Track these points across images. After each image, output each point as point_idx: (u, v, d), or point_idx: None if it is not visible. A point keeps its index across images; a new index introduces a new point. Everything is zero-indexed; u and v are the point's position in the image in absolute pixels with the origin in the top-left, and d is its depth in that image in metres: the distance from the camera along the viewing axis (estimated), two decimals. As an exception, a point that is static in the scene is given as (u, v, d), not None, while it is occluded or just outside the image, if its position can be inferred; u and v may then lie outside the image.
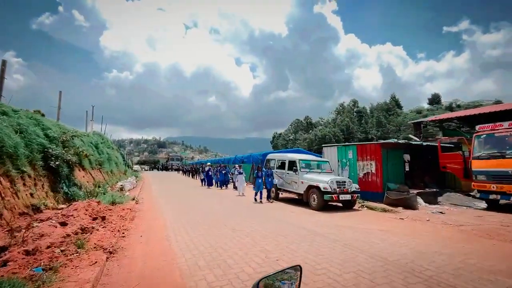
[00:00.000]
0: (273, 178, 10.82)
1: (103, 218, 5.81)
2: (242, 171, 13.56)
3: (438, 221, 7.07)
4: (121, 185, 13.58)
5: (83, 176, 11.27)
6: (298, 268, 1.17)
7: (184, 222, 6.70)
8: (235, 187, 15.08)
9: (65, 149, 9.33)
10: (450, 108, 51.47)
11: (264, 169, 11.29)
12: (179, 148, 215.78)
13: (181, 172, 39.98)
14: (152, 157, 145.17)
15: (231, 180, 16.64)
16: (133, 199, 10.19)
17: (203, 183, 17.68)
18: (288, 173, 10.46)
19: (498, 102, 41.64)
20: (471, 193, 10.82)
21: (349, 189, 8.99)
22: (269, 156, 12.40)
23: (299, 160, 10.23)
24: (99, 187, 11.60)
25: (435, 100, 59.31)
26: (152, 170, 61.82)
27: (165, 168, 56.35)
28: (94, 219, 5.66)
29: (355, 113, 58.31)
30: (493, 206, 8.90)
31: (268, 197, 10.95)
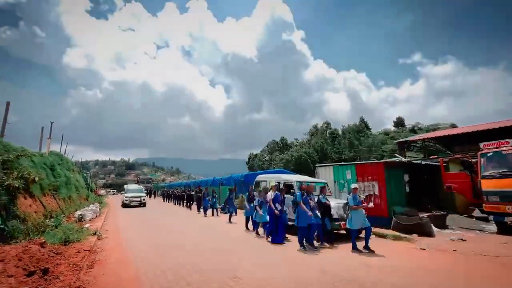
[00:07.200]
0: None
1: (45, 271, 3.99)
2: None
3: (466, 251, 6.13)
4: (80, 215, 11.24)
5: (30, 205, 8.99)
6: None
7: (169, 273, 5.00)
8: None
9: (5, 171, 7.31)
10: (413, 130, 54.58)
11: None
12: (149, 170, 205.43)
13: (161, 197, 33.56)
14: (120, 179, 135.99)
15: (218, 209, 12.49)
16: (95, 233, 8.15)
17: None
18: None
19: (453, 125, 45.15)
20: (473, 215, 10.30)
21: (356, 215, 7.90)
22: (260, 178, 10.99)
23: (297, 182, 9.02)
24: (51, 218, 9.33)
25: (399, 123, 63.18)
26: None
27: None
28: (30, 274, 3.84)
29: (328, 135, 59.49)
30: (503, 228, 8.31)
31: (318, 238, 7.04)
